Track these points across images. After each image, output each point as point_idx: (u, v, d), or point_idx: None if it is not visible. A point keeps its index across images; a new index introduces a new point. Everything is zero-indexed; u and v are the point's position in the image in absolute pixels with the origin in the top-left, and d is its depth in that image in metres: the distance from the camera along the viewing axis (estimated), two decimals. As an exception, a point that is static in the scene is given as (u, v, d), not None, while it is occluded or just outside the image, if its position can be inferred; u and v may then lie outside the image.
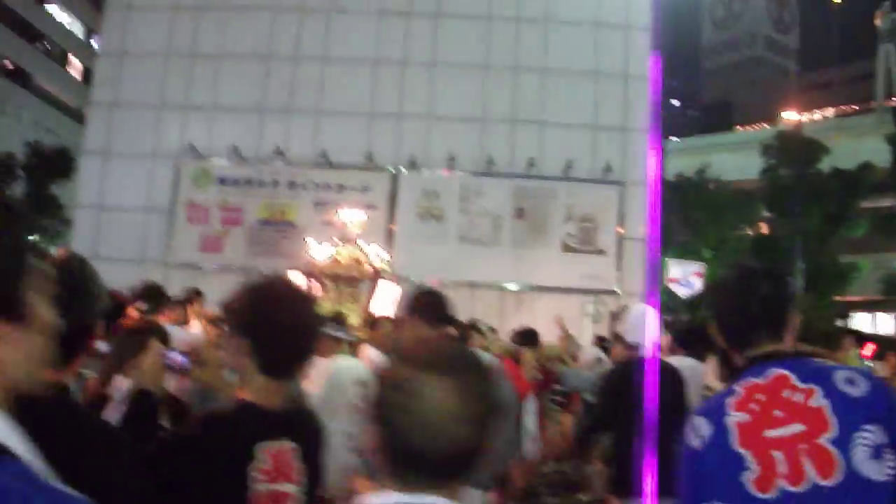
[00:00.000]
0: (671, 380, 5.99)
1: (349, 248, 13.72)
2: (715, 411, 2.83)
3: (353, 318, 11.24)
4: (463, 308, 12.42)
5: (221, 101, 21.57)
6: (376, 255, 14.09)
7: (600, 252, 20.48)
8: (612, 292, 19.75)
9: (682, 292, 20.92)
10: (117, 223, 21.26)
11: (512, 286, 20.53)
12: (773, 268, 3.14)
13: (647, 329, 6.22)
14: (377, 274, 13.65)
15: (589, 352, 12.96)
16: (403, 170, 21.15)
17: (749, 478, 2.67)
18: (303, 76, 21.59)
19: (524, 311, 19.43)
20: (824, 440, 2.65)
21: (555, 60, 20.99)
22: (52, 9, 57.17)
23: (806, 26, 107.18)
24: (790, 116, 38.46)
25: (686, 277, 20.81)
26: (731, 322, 3.04)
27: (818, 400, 2.71)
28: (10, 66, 52.31)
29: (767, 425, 2.72)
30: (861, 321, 43.66)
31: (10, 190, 35.73)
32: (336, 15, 21.69)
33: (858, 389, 2.71)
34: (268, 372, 2.72)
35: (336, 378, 6.60)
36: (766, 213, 39.51)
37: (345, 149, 21.12)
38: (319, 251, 13.77)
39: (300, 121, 21.47)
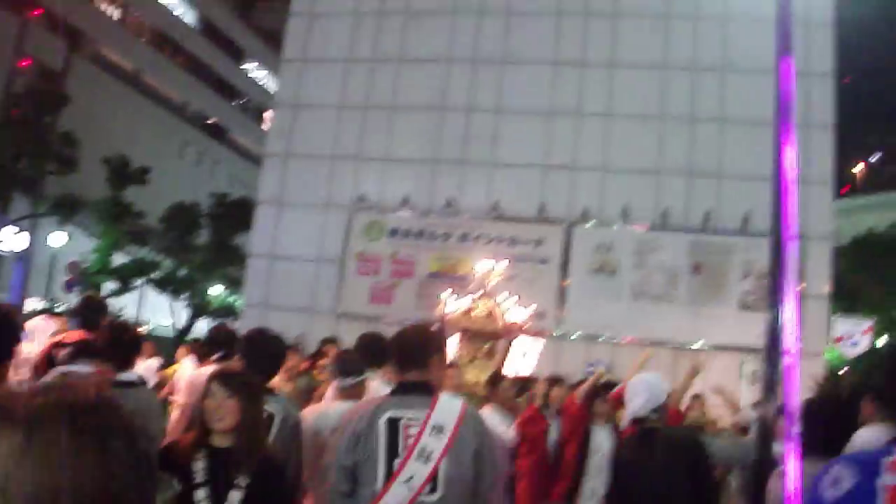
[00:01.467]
0: (681, 456, 5.42)
1: (485, 302, 12.97)
2: (865, 466, 2.44)
3: (484, 376, 10.72)
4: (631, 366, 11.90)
5: (394, 153, 21.67)
6: (518, 309, 13.28)
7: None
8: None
9: (848, 352, 19.68)
10: (289, 272, 21.58)
11: (688, 344, 19.78)
12: None
13: (649, 399, 5.66)
14: (513, 329, 12.80)
15: (744, 416, 11.78)
16: (585, 225, 20.77)
17: None
18: (476, 127, 21.49)
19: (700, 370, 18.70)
20: None
21: (733, 109, 20.21)
22: (249, 66, 59.34)
23: None
24: None
25: (853, 335, 19.51)
26: None
27: None
28: (210, 122, 54.50)
29: None
30: None
31: (194, 239, 36.91)
32: (509, 66, 21.58)
33: None
34: None
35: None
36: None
37: (518, 201, 20.95)
38: (453, 304, 13.11)
39: (473, 172, 21.39)
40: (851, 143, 58.22)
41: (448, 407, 4.47)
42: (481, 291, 13.04)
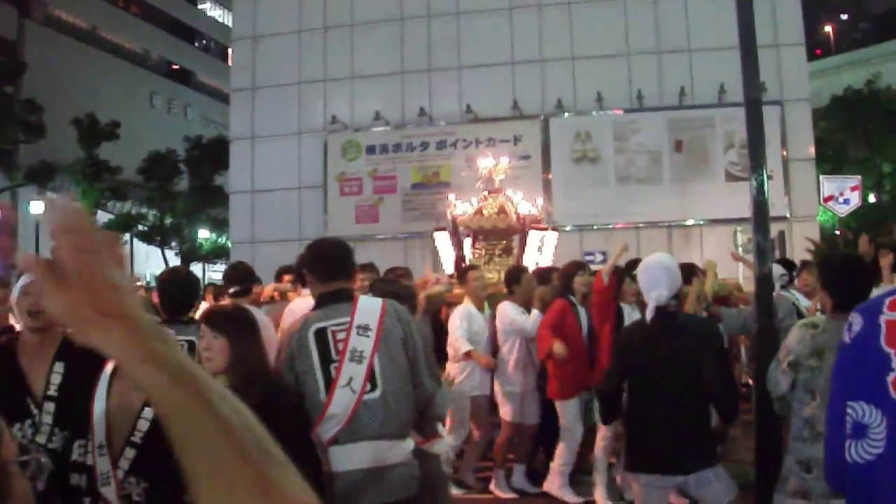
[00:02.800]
0: (684, 337, 5.46)
1: (494, 199, 12.67)
2: (870, 308, 2.82)
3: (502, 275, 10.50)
4: (630, 250, 11.88)
5: (359, 70, 21.46)
6: (527, 202, 13.01)
7: (766, 177, 19.44)
8: (784, 218, 18.58)
9: (840, 210, 19.63)
10: (271, 205, 21.52)
11: (679, 222, 19.75)
12: None
13: (671, 287, 5.57)
14: (526, 224, 12.52)
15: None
16: (561, 116, 20.73)
17: (892, 379, 2.61)
18: (438, 33, 21.25)
19: (693, 247, 18.69)
20: None
21: (696, -20, 19.98)
22: (205, 6, 58.72)
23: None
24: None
25: (842, 194, 19.45)
26: None
27: None
28: (175, 67, 54.10)
29: None
30: None
31: (176, 185, 36.78)
32: (466, -35, 21.23)
33: None
34: None
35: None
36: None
37: (490, 101, 20.80)
38: (462, 206, 12.85)
39: (441, 78, 21.22)
40: (819, 4, 57.72)
41: (369, 306, 4.61)
42: (487, 190, 12.73)
